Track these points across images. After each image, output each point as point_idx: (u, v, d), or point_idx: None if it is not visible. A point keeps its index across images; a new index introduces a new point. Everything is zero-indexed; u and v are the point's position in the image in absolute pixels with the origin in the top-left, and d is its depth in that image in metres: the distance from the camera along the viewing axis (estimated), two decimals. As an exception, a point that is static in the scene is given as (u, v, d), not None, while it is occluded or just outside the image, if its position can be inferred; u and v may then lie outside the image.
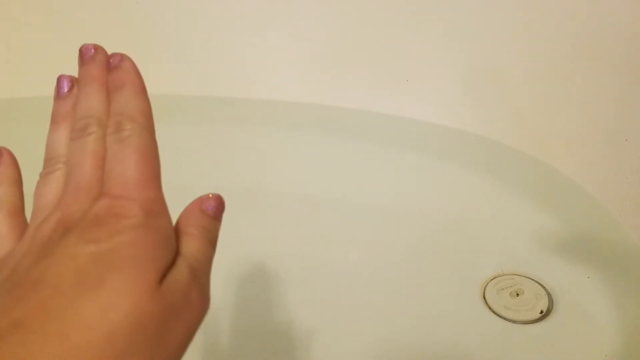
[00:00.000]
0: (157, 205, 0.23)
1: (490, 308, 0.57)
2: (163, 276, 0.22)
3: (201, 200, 0.26)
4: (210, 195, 0.27)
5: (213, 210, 0.26)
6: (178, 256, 0.24)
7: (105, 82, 0.27)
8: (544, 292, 0.58)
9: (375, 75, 0.85)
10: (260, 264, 0.63)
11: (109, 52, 0.28)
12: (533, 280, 0.60)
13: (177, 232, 0.25)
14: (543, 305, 0.57)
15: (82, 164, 0.24)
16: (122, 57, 0.27)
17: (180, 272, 0.23)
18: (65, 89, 0.28)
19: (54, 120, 0.27)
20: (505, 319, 0.56)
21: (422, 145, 0.81)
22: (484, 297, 0.58)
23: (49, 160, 0.26)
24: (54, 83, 0.28)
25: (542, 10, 0.71)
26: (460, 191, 0.73)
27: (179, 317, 0.22)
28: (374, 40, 0.83)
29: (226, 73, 0.89)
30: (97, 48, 0.28)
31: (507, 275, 0.60)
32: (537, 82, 0.75)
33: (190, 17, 0.87)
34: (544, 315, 0.56)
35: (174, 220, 0.25)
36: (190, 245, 0.24)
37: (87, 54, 0.27)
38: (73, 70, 0.28)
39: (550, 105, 0.74)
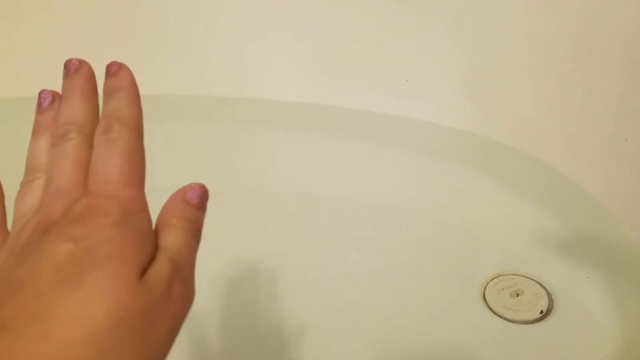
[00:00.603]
0: (136, 204, 0.24)
1: (490, 308, 0.57)
2: (143, 271, 0.22)
3: (184, 190, 0.26)
4: (194, 185, 0.27)
5: (197, 200, 0.26)
6: (159, 249, 0.24)
7: (89, 93, 0.27)
8: (544, 292, 0.58)
9: (375, 75, 0.85)
10: (260, 264, 0.63)
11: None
12: (533, 280, 0.60)
13: (160, 223, 0.25)
14: (543, 305, 0.57)
15: (62, 169, 0.25)
16: (121, 66, 0.27)
17: (161, 265, 0.23)
18: (47, 102, 0.28)
19: (35, 132, 0.28)
20: (505, 319, 0.56)
21: (422, 145, 0.81)
22: (484, 297, 0.58)
23: (29, 170, 0.27)
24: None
25: (542, 10, 0.71)
26: (460, 191, 0.73)
27: (163, 310, 0.22)
28: (374, 40, 0.83)
29: (226, 73, 0.89)
30: (82, 62, 0.28)
31: (507, 275, 0.60)
32: (537, 82, 0.75)
33: (190, 17, 0.87)
34: (544, 315, 0.56)
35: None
36: (172, 238, 0.24)
37: (72, 68, 0.28)
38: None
39: (550, 105, 0.74)
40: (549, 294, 0.58)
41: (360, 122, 0.85)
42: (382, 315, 0.58)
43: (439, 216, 0.70)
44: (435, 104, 0.82)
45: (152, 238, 0.24)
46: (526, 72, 0.75)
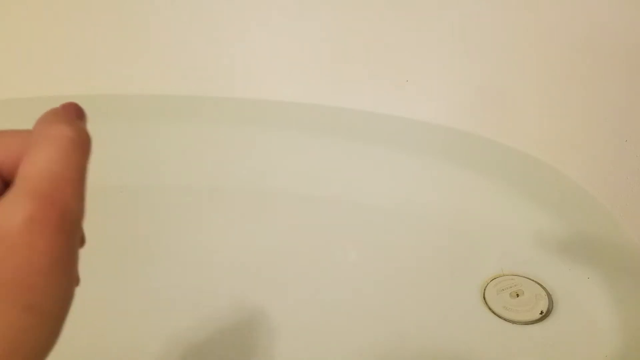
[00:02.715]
0: None
1: (490, 309, 0.57)
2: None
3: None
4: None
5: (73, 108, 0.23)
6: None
7: None
8: (544, 293, 0.58)
9: (375, 75, 0.85)
10: (259, 264, 0.63)
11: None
12: (533, 280, 0.60)
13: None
14: (543, 305, 0.57)
15: None
16: None
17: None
18: None
19: None
20: (505, 319, 0.56)
21: (422, 145, 0.81)
22: (484, 298, 0.58)
23: None
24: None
25: (543, 10, 0.71)
26: (460, 191, 0.73)
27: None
28: (374, 41, 0.83)
29: (226, 73, 0.89)
30: None
31: (507, 275, 0.60)
32: (537, 82, 0.75)
33: (190, 18, 0.87)
34: (544, 315, 0.56)
35: None
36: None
37: None
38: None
39: (550, 105, 0.74)
40: (549, 295, 0.58)
41: (360, 122, 0.85)
42: (382, 316, 0.58)
43: (439, 216, 0.69)
44: (435, 104, 0.82)
45: None
46: (526, 72, 0.75)
